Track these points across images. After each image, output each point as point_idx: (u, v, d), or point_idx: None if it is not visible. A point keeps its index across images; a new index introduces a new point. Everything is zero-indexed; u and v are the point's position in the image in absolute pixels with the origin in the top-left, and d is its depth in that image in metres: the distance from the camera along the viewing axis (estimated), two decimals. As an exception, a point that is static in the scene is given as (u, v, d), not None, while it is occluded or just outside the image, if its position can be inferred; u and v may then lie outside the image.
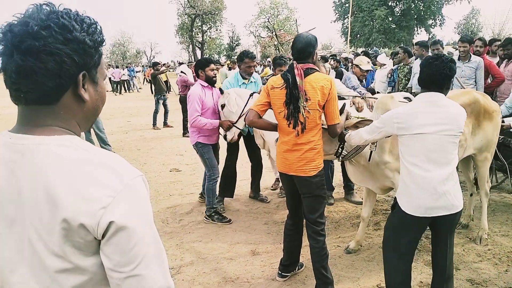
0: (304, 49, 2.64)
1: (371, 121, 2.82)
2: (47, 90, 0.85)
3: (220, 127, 4.18)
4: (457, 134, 2.34)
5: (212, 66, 4.21)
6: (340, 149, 2.94)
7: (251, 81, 4.55)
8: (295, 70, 2.57)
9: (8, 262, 0.89)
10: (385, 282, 2.57)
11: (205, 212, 4.37)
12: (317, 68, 2.67)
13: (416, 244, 2.53)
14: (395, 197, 2.49)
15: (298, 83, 2.54)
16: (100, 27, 0.93)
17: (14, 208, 0.86)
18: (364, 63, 5.06)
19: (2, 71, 0.86)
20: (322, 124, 2.73)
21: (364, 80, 5.18)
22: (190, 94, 4.14)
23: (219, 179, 4.35)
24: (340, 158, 3.05)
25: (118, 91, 21.88)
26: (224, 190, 4.73)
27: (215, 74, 4.24)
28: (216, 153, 4.42)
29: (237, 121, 4.09)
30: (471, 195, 3.97)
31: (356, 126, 2.80)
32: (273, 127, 2.81)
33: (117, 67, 26.58)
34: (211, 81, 4.19)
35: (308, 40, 2.65)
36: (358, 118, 2.88)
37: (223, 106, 4.11)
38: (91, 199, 0.82)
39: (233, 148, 4.68)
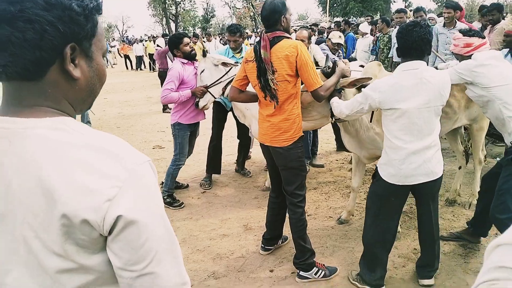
0: (269, 17, 2.49)
1: (370, 78, 2.69)
2: (27, 64, 0.72)
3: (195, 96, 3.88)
4: (441, 105, 2.31)
5: (186, 40, 3.93)
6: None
7: (243, 56, 4.31)
8: (262, 42, 2.47)
9: (1, 263, 0.77)
10: (363, 243, 2.65)
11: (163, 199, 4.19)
12: (286, 35, 2.52)
13: (399, 212, 2.57)
14: (376, 166, 2.49)
15: (262, 55, 2.44)
16: None
17: (3, 203, 0.74)
18: (335, 37, 5.39)
19: None
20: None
21: (340, 51, 5.55)
22: (171, 69, 3.87)
23: (182, 167, 4.13)
24: (333, 119, 2.93)
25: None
26: (210, 167, 4.63)
27: (192, 47, 4.01)
28: (193, 138, 4.23)
29: (211, 86, 3.83)
30: (459, 168, 3.83)
31: (354, 84, 2.69)
32: (256, 98, 2.73)
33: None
34: (190, 56, 3.93)
35: (273, 6, 2.47)
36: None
37: (203, 71, 3.87)
38: (94, 191, 0.71)
39: (218, 125, 4.56)
